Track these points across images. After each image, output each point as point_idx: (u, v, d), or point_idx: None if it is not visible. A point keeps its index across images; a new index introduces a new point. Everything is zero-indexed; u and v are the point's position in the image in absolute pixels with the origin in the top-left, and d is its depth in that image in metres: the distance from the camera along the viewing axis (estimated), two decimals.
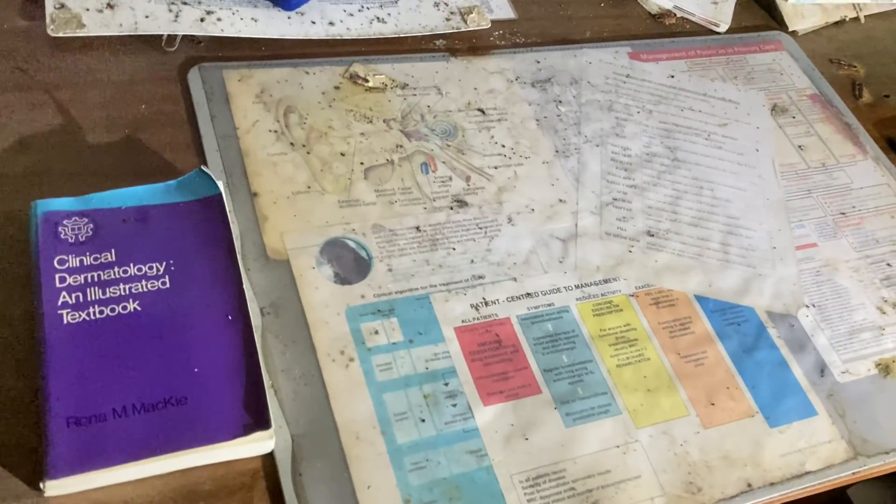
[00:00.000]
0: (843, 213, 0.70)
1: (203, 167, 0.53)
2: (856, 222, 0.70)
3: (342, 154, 0.62)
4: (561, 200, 0.65)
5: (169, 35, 0.65)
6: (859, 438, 0.57)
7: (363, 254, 0.57)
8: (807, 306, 0.63)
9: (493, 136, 0.67)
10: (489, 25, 0.75)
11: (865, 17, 0.90)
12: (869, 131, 0.78)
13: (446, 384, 0.53)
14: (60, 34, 0.62)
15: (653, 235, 0.64)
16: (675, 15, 0.83)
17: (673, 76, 0.77)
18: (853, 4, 0.90)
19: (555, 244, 0.62)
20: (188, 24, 0.66)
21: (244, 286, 0.51)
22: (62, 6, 0.64)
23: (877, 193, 0.73)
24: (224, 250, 0.52)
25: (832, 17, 0.88)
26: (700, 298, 0.61)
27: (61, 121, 0.58)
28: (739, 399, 0.57)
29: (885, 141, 0.78)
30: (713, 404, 0.56)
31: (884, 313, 0.64)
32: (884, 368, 0.61)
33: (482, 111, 0.69)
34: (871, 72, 0.85)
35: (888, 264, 0.68)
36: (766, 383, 0.58)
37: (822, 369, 0.60)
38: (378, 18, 0.72)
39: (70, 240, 0.50)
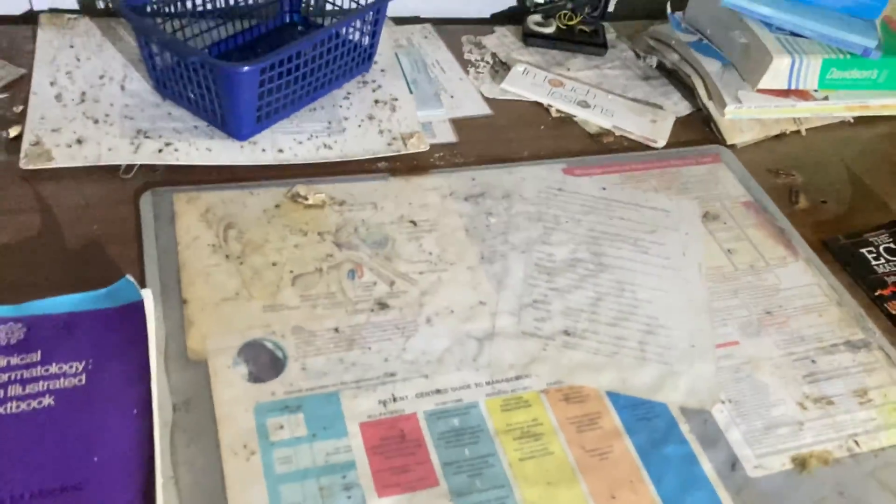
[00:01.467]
0: (769, 313, 0.72)
1: (128, 276, 0.59)
2: (781, 321, 0.71)
3: (274, 264, 0.68)
4: (481, 303, 0.68)
5: (127, 164, 0.73)
6: None
7: (279, 354, 0.61)
8: (722, 402, 0.64)
9: (421, 245, 0.72)
10: (428, 148, 0.81)
11: (807, 129, 0.94)
12: (805, 235, 0.80)
13: (344, 477, 0.55)
14: (31, 167, 0.70)
15: (569, 334, 0.67)
16: (613, 134, 0.89)
17: (605, 188, 0.81)
18: (794, 119, 0.94)
19: (470, 343, 0.65)
20: (147, 155, 0.74)
21: (153, 384, 0.55)
22: (37, 143, 0.72)
23: (806, 293, 0.74)
24: (139, 352, 0.56)
25: (772, 131, 0.92)
26: (612, 394, 0.63)
27: (18, 240, 0.65)
28: (642, 493, 0.57)
29: (821, 243, 0.80)
30: (614, 497, 0.56)
31: (805, 409, 0.64)
32: (800, 463, 0.61)
33: (414, 223, 0.74)
34: (810, 179, 0.88)
35: (813, 361, 0.68)
36: (673, 477, 0.58)
37: (734, 464, 0.60)
38: (325, 145, 0.79)
39: (2, 342, 0.55)
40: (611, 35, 1.04)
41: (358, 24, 0.84)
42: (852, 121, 0.97)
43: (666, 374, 0.65)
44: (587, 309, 0.69)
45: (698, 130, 0.92)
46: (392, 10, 0.99)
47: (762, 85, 0.91)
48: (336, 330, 0.64)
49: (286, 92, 0.78)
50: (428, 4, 1.02)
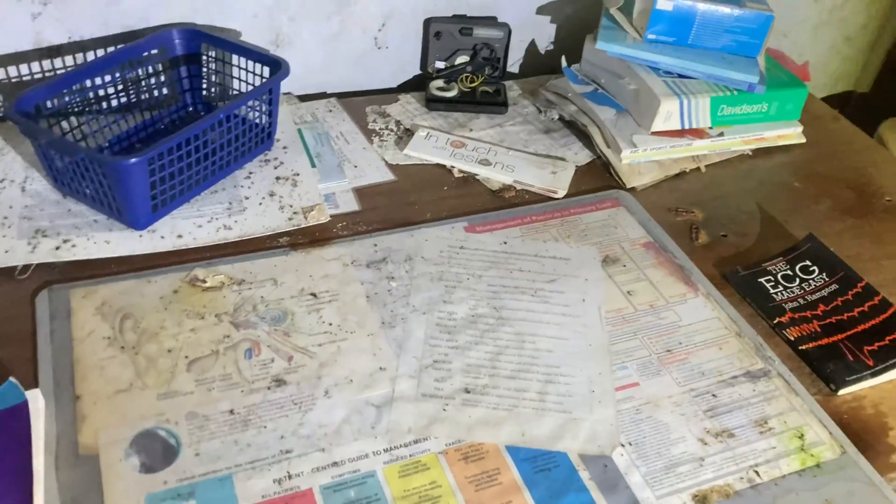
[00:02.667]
0: (669, 351, 0.73)
1: (12, 378, 0.59)
2: (681, 358, 0.72)
3: (169, 350, 0.68)
4: (381, 368, 0.68)
5: (24, 265, 0.73)
6: None
7: (172, 441, 0.61)
8: (623, 445, 0.64)
9: (321, 317, 0.72)
10: (328, 220, 0.82)
11: (706, 166, 0.97)
12: (705, 270, 0.82)
13: None
14: None
15: (469, 392, 0.67)
16: (514, 188, 0.91)
17: (506, 242, 0.83)
18: (692, 157, 0.97)
19: (369, 411, 0.65)
20: (44, 253, 0.74)
21: (37, 486, 0.54)
22: None
23: (706, 328, 0.75)
24: (23, 452, 0.56)
25: (671, 171, 0.95)
26: (512, 448, 0.63)
27: None
28: None
29: (721, 276, 0.81)
30: None
31: (705, 444, 0.65)
32: (701, 500, 0.61)
33: (314, 295, 0.75)
34: (711, 215, 0.90)
35: (713, 395, 0.69)
36: None
37: None
38: (225, 226, 0.80)
39: None
40: (513, 93, 1.07)
41: (252, 104, 0.86)
42: (751, 153, 1.00)
43: (566, 422, 0.65)
44: (487, 364, 0.70)
45: (600, 177, 0.94)
46: (298, 87, 1.02)
47: (655, 128, 0.94)
48: (231, 412, 0.64)
49: (182, 178, 0.79)
50: (333, 78, 1.05)
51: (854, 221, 0.91)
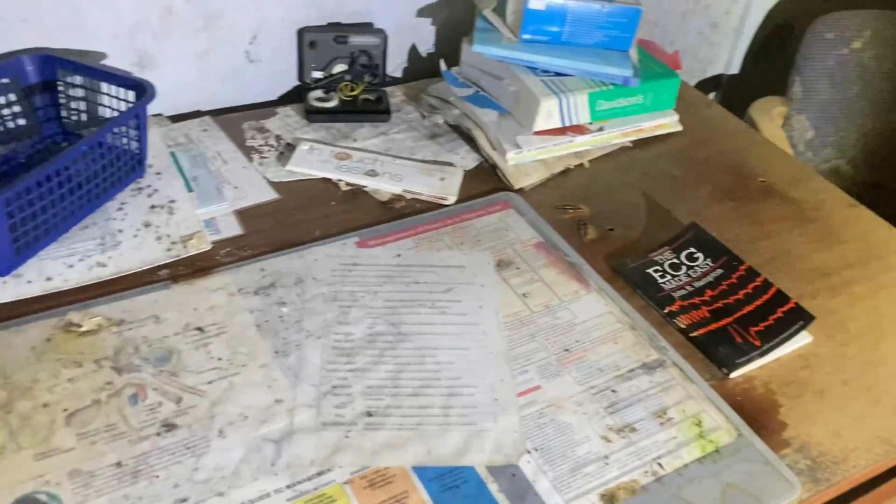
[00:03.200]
0: (567, 350, 0.73)
1: None
2: (579, 356, 0.73)
3: (45, 405, 0.63)
4: (277, 401, 0.66)
5: None
6: None
7: None
8: (529, 452, 0.64)
9: (209, 352, 0.69)
10: (210, 247, 0.79)
11: (590, 161, 0.98)
12: (596, 265, 0.83)
13: None
14: None
15: (372, 415, 0.65)
16: (404, 198, 0.90)
17: (400, 255, 0.81)
18: (575, 153, 0.98)
19: (268, 447, 0.62)
20: None
21: None
22: None
23: (600, 324, 0.76)
24: None
25: (556, 169, 0.96)
26: (419, 469, 0.62)
27: None
28: None
29: (611, 271, 0.83)
30: None
31: (609, 441, 0.66)
32: (609, 499, 0.61)
33: (200, 329, 0.71)
34: (598, 209, 0.91)
35: (613, 391, 0.70)
36: None
37: None
38: (99, 264, 0.76)
39: None
40: (396, 99, 1.06)
41: (119, 131, 0.81)
42: (631, 145, 1.02)
43: (471, 434, 0.65)
44: (389, 384, 0.68)
45: (488, 180, 0.94)
46: (169, 107, 0.98)
47: (537, 127, 0.94)
48: (118, 464, 0.60)
49: (47, 216, 0.74)
50: (207, 96, 1.01)
51: (733, 204, 0.94)
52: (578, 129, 0.97)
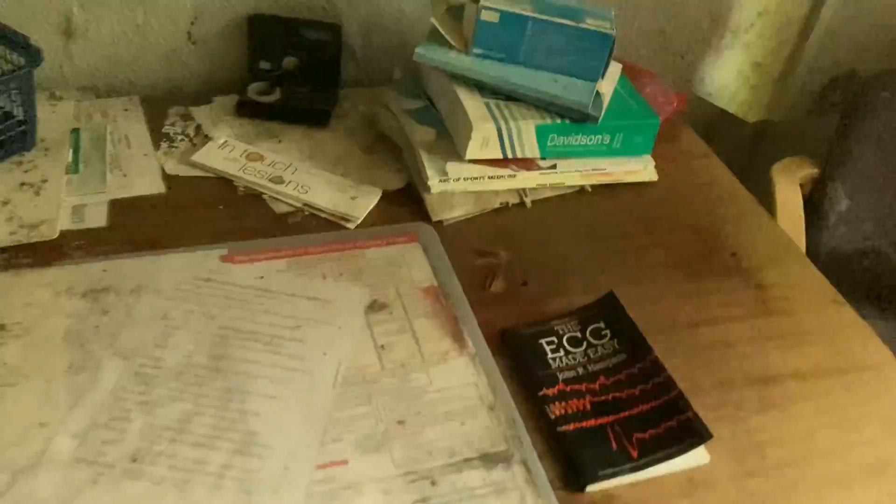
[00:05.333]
0: (402, 422, 0.62)
1: None
2: (413, 432, 0.61)
3: None
4: (41, 424, 0.58)
5: None
6: None
7: None
8: None
9: None
10: (55, 236, 0.72)
11: (534, 201, 0.86)
12: (487, 323, 0.71)
13: None
14: None
15: (136, 461, 0.57)
16: (303, 212, 0.80)
17: (263, 277, 0.72)
18: (519, 190, 0.86)
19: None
20: None
21: None
22: None
23: (457, 396, 0.64)
24: None
25: (490, 205, 0.84)
26: None
27: None
28: None
29: (500, 333, 0.70)
30: None
31: None
32: None
33: (2, 327, 0.64)
34: (520, 258, 0.79)
35: (433, 483, 0.58)
36: None
37: None
38: None
39: None
40: (348, 103, 0.96)
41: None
42: (590, 189, 0.89)
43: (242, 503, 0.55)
44: (175, 426, 0.59)
45: (411, 207, 0.83)
46: (102, 82, 0.92)
47: (471, 154, 0.83)
48: None
49: None
50: (144, 74, 0.95)
51: (683, 277, 0.79)
52: (525, 164, 0.85)
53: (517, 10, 0.82)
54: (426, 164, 0.83)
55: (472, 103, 0.83)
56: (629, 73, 0.96)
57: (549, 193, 0.87)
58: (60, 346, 0.64)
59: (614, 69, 0.91)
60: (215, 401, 0.61)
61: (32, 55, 0.76)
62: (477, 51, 0.84)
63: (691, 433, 0.62)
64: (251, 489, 0.56)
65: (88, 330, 0.65)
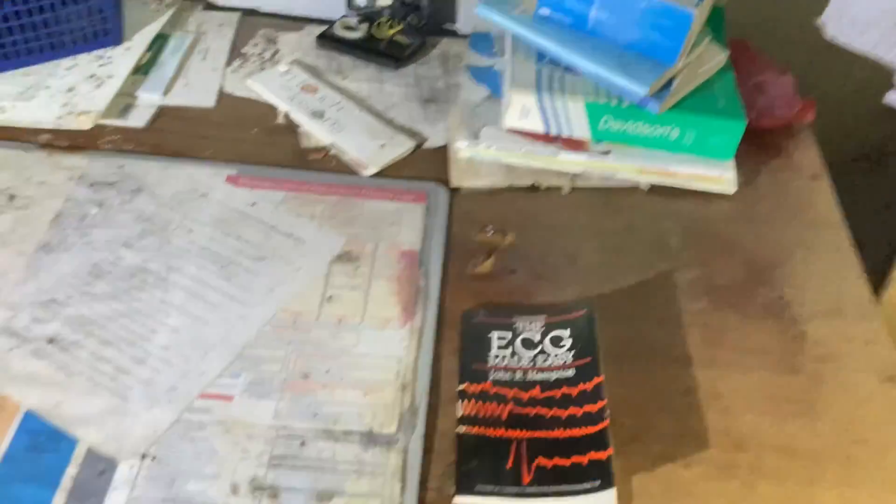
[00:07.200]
0: (307, 376, 0.59)
1: None
2: (311, 389, 0.59)
3: None
4: None
5: None
6: None
7: None
8: (144, 457, 0.54)
9: None
10: (89, 128, 0.77)
11: (574, 188, 0.77)
12: (450, 302, 0.66)
13: None
14: None
15: (53, 342, 0.60)
16: (326, 151, 0.79)
17: (255, 204, 0.72)
18: (559, 172, 0.77)
19: None
20: None
21: None
22: None
23: (376, 366, 0.60)
24: None
25: (521, 181, 0.77)
26: (30, 415, 0.55)
27: None
28: None
29: (460, 315, 0.65)
30: None
31: (235, 494, 0.53)
32: None
33: (13, 197, 0.70)
34: (525, 244, 0.71)
35: (302, 443, 0.55)
36: None
37: None
38: (1, 108, 0.78)
39: None
40: (436, 51, 0.92)
41: None
42: (647, 189, 0.78)
43: (111, 409, 0.56)
44: (99, 321, 0.62)
45: (439, 166, 0.79)
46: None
47: (509, 124, 0.76)
48: None
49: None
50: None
51: (705, 308, 0.68)
52: (573, 144, 0.77)
53: None
54: (460, 124, 0.78)
55: (523, 68, 0.76)
56: (746, 63, 0.82)
57: (596, 183, 0.78)
58: (45, 226, 0.69)
59: (716, 54, 0.78)
60: (146, 308, 0.63)
61: None
62: (543, 11, 0.76)
63: (597, 474, 0.53)
64: (129, 397, 0.57)
65: (76, 217, 0.70)
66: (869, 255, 0.75)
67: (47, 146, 0.76)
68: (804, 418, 0.60)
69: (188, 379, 0.59)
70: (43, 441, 0.54)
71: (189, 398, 0.57)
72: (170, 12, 0.92)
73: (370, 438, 0.56)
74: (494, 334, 0.63)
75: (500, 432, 0.56)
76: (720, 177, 0.77)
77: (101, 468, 0.53)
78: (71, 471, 0.53)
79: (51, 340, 0.60)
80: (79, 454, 0.54)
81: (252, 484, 0.53)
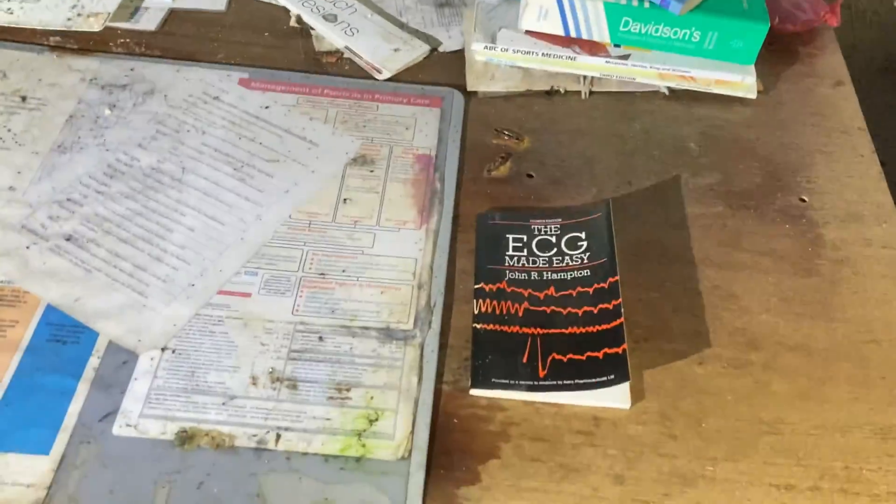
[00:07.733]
0: (323, 275, 0.60)
1: None
2: (328, 287, 0.59)
3: None
4: (11, 188, 0.63)
5: None
6: (69, 497, 0.48)
7: None
8: (164, 350, 0.55)
9: (9, 121, 0.68)
10: (99, 29, 0.76)
11: (594, 91, 0.76)
12: (465, 205, 0.65)
13: None
14: None
15: (69, 240, 0.60)
16: (340, 55, 0.77)
17: (268, 107, 0.71)
18: (578, 76, 0.76)
19: None
20: None
21: None
22: None
23: (391, 266, 0.61)
24: None
25: (538, 85, 0.76)
26: (50, 309, 0.56)
27: None
28: None
29: (476, 217, 0.65)
30: None
31: (254, 385, 0.53)
32: (187, 438, 0.51)
33: (24, 98, 0.70)
34: (540, 148, 0.71)
35: (320, 337, 0.56)
36: (26, 405, 0.51)
37: (108, 415, 0.51)
38: (8, 10, 0.77)
39: None
40: None
41: None
42: (667, 92, 0.76)
43: (131, 305, 0.57)
44: (115, 219, 0.62)
45: (458, 72, 0.77)
46: None
47: (527, 25, 0.74)
48: None
49: None
50: None
51: (724, 209, 0.67)
52: (592, 48, 0.75)
53: None
54: (477, 26, 0.76)
55: None
56: None
57: (615, 88, 0.76)
58: (59, 126, 0.68)
59: None
60: (162, 207, 0.63)
61: None
62: None
63: (613, 368, 0.54)
64: (149, 294, 0.58)
65: (90, 118, 0.69)
66: (890, 172, 0.74)
67: (57, 48, 0.75)
68: (819, 319, 0.60)
69: (206, 276, 0.59)
70: (65, 333, 0.55)
71: (207, 294, 0.58)
72: None
73: (387, 334, 0.57)
74: (510, 237, 0.63)
75: (516, 329, 0.57)
76: (741, 81, 0.76)
77: (122, 359, 0.54)
78: (93, 361, 0.54)
79: (68, 238, 0.61)
80: (100, 346, 0.55)
81: (271, 375, 0.54)
